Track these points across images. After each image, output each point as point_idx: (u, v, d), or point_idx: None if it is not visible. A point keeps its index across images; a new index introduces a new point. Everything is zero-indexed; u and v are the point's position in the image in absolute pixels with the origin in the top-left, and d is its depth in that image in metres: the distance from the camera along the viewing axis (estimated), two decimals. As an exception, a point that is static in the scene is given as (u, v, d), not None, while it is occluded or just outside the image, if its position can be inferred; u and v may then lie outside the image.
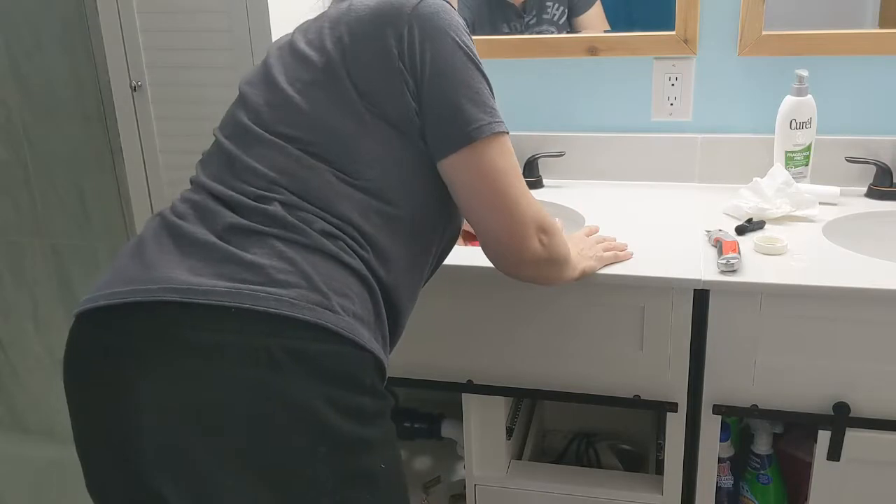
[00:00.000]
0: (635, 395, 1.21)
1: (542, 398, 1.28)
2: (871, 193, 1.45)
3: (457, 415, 1.33)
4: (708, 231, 1.27)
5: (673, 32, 1.50)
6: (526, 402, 1.48)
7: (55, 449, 1.96)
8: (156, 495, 0.81)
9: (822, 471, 1.17)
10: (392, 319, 0.93)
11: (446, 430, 1.46)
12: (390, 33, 0.91)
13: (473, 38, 0.97)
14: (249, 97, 0.96)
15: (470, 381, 1.27)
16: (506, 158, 0.94)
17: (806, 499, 1.22)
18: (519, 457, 1.44)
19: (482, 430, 1.31)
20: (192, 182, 0.95)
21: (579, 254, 1.13)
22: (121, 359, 0.81)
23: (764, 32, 1.46)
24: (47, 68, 1.77)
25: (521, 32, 1.62)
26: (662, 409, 1.20)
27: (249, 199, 0.88)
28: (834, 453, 1.15)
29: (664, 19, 1.50)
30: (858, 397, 1.12)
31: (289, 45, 0.98)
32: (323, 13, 0.99)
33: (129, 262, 0.87)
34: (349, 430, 0.82)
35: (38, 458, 2.02)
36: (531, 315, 1.21)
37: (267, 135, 0.91)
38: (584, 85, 1.59)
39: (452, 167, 0.93)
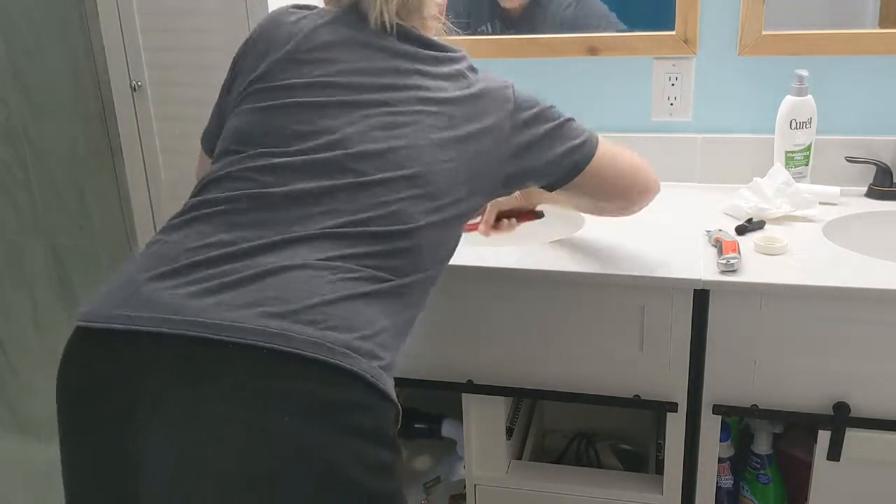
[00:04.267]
0: (635, 395, 1.21)
1: (542, 398, 1.28)
2: (871, 193, 1.45)
3: (457, 415, 1.33)
4: (708, 231, 1.27)
5: (673, 32, 1.50)
6: (526, 402, 1.48)
7: (55, 449, 1.95)
8: None
9: (822, 471, 1.17)
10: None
11: (446, 430, 1.46)
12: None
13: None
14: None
15: (470, 381, 1.27)
16: (607, 156, 1.04)
17: (806, 499, 1.22)
18: (519, 457, 1.44)
19: (482, 430, 1.31)
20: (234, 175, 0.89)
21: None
22: (132, 392, 0.76)
23: (764, 32, 1.46)
24: (47, 68, 1.77)
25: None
26: (662, 409, 1.20)
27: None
28: (834, 453, 1.15)
29: (664, 19, 1.49)
30: (858, 397, 1.12)
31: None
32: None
33: (150, 275, 0.80)
34: (371, 486, 0.78)
35: (38, 458, 2.02)
36: (531, 315, 1.20)
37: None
38: (584, 85, 1.59)
39: (567, 190, 1.04)
